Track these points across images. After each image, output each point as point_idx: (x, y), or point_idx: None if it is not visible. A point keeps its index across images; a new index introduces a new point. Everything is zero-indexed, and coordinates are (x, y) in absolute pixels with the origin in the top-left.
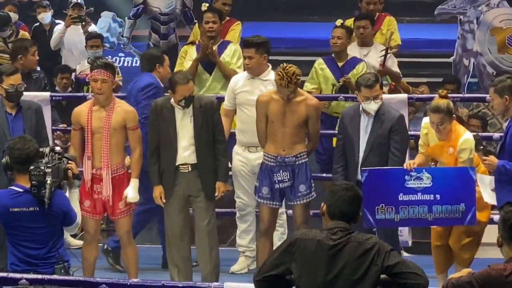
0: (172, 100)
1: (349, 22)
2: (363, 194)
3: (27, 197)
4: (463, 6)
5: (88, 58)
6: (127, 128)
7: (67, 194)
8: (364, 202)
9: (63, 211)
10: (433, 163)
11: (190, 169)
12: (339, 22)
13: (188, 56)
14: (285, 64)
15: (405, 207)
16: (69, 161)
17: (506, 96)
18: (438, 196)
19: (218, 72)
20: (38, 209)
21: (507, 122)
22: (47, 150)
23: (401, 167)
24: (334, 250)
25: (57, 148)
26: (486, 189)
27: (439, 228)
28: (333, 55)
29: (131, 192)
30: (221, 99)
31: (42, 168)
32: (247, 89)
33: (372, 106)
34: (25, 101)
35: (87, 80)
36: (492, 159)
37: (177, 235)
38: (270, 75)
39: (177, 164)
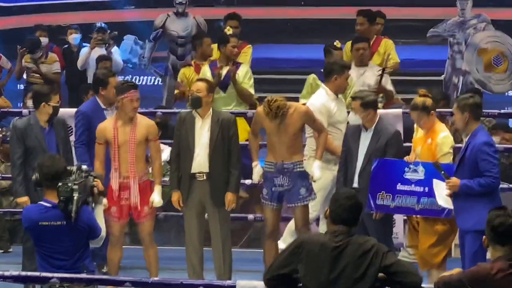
0: (194, 111)
1: (348, 44)
2: (371, 181)
3: (55, 212)
4: (453, 29)
5: None
6: (148, 140)
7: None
8: (370, 188)
9: (88, 226)
10: None
11: (205, 178)
12: (338, 44)
13: (201, 74)
14: (270, 98)
15: (400, 196)
16: (95, 179)
17: (467, 114)
18: (426, 189)
19: (232, 89)
20: (65, 223)
21: (467, 138)
22: (74, 168)
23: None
24: (337, 251)
25: (84, 167)
26: (441, 193)
27: (411, 230)
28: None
29: (157, 197)
30: (236, 114)
31: (70, 185)
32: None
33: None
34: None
35: None
36: (454, 180)
37: (195, 238)
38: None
39: (193, 171)
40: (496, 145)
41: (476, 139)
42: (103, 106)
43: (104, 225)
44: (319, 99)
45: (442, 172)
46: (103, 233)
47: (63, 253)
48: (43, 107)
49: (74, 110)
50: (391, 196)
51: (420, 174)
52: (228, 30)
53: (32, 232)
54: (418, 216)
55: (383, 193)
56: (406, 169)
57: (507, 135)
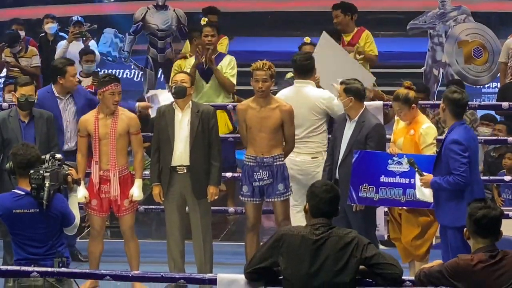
0: (174, 103)
1: None
2: (352, 173)
3: (28, 199)
4: (433, 21)
5: (81, 71)
6: (130, 133)
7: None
8: (351, 180)
9: (61, 213)
10: None
11: (185, 171)
12: (308, 39)
13: (184, 68)
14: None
15: (384, 188)
16: (70, 168)
17: (443, 106)
18: (412, 180)
19: (215, 80)
20: (38, 210)
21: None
22: (47, 156)
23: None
24: (317, 244)
25: (58, 155)
26: (421, 186)
27: (392, 223)
28: None
29: (137, 191)
30: (217, 107)
31: (41, 172)
32: None
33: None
34: (37, 110)
35: None
36: (427, 177)
37: (176, 231)
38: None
39: (173, 164)
40: (479, 137)
41: (450, 135)
42: (56, 95)
43: (78, 213)
44: (325, 93)
45: (417, 169)
46: (77, 221)
47: (37, 240)
48: (12, 96)
49: None
50: (374, 189)
51: (405, 166)
52: (203, 21)
53: (6, 220)
54: (402, 207)
55: (365, 185)
56: (390, 161)
57: (498, 126)
